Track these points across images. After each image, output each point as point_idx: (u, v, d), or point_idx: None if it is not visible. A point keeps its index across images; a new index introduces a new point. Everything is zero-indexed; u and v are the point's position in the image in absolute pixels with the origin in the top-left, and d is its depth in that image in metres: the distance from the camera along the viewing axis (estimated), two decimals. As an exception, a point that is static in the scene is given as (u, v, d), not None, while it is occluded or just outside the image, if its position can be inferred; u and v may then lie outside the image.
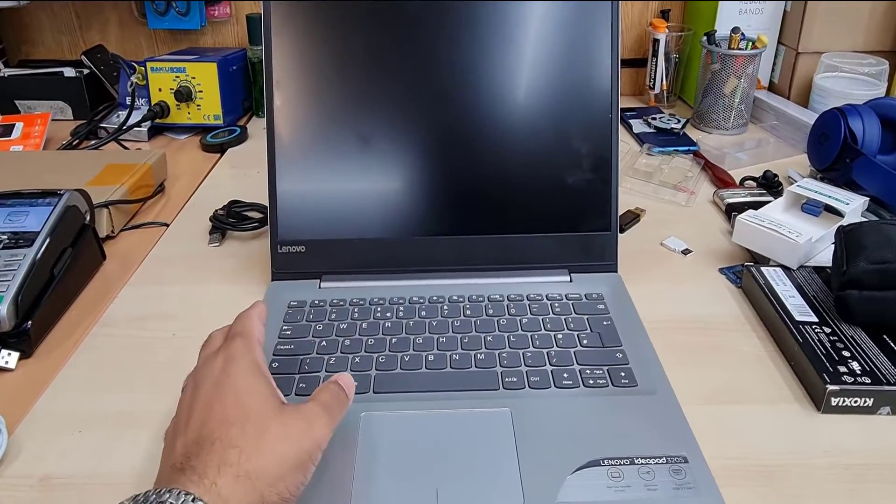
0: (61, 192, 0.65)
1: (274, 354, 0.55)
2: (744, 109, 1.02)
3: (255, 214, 0.78)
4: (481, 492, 0.43)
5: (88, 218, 0.68)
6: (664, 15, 1.15)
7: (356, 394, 0.50)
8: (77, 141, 1.00)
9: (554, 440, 0.46)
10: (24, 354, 0.57)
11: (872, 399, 0.50)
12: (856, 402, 0.50)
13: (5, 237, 0.60)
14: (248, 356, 0.42)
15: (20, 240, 0.60)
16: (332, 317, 0.59)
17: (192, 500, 0.33)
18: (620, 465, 0.44)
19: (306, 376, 0.52)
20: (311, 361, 0.54)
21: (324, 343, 0.56)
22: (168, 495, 0.33)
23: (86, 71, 1.11)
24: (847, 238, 0.59)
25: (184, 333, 0.60)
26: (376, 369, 0.53)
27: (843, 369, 0.51)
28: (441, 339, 0.56)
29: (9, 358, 0.55)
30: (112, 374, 0.55)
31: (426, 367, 0.53)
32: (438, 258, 0.64)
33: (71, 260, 0.63)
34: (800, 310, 0.59)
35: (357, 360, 0.54)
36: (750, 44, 0.98)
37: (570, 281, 0.64)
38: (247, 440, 0.37)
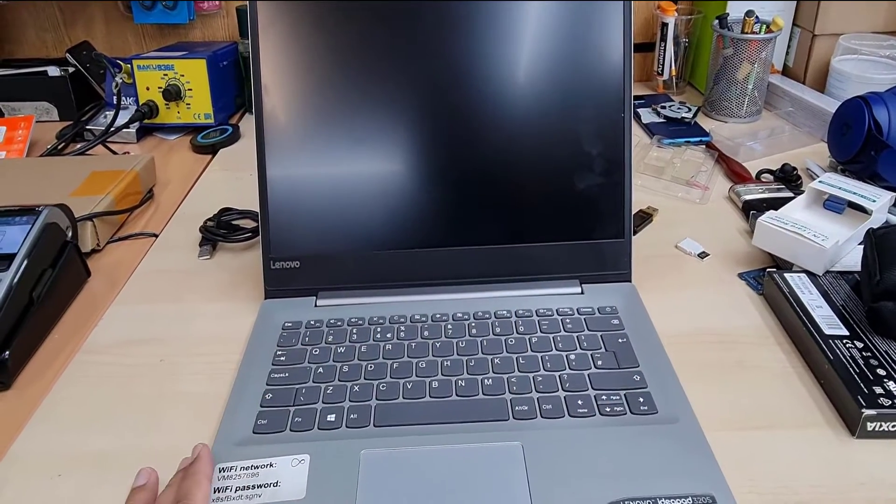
0: (39, 208, 0.61)
1: (267, 384, 0.51)
2: (757, 96, 0.98)
3: (248, 223, 0.74)
4: (492, 541, 0.39)
5: (70, 234, 0.64)
6: (673, -3, 1.09)
7: (356, 427, 0.47)
8: (63, 144, 0.96)
9: (569, 479, 0.43)
10: (2, 387, 0.53)
11: (912, 423, 0.47)
12: (894, 426, 0.47)
13: (-21, 260, 0.56)
14: None
15: (-5, 263, 0.56)
16: (329, 339, 0.55)
17: None
18: (643, 506, 0.41)
19: (302, 408, 0.49)
20: (307, 391, 0.50)
21: (321, 370, 0.52)
22: None
23: (71, 69, 1.07)
24: (879, 244, 0.55)
25: (173, 359, 0.56)
26: (377, 398, 0.49)
27: (878, 390, 0.48)
28: (446, 363, 0.52)
29: (-15, 392, 0.52)
30: (94, 409, 0.52)
31: (430, 396, 0.50)
32: (441, 271, 0.60)
33: (52, 281, 0.60)
34: (828, 321, 0.55)
35: (356, 388, 0.50)
36: (764, 27, 0.93)
37: (582, 293, 0.60)
38: None
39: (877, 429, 0.47)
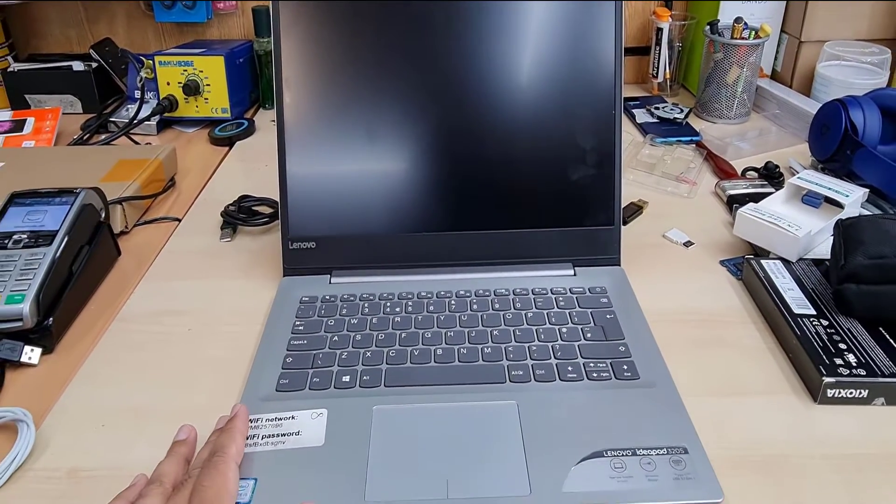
0: (77, 190, 0.67)
1: (287, 350, 0.56)
2: (746, 98, 1.03)
3: (266, 209, 0.79)
4: (489, 482, 0.45)
5: (104, 215, 0.69)
6: (668, 3, 1.15)
7: (369, 387, 0.52)
8: (87, 135, 1.01)
9: (559, 432, 0.48)
10: (47, 350, 0.59)
11: (867, 391, 0.52)
12: (851, 393, 0.52)
13: (25, 236, 0.62)
14: None
15: (39, 238, 0.62)
16: (343, 312, 0.60)
17: None
18: (623, 456, 0.46)
19: (319, 370, 0.54)
20: (323, 356, 0.56)
21: (336, 338, 0.57)
22: None
23: (94, 64, 1.12)
24: (846, 232, 0.60)
25: (199, 328, 0.62)
26: (387, 363, 0.55)
27: (839, 361, 0.53)
28: (449, 334, 0.58)
29: (32, 354, 0.57)
30: (130, 369, 0.57)
31: (435, 361, 0.55)
32: (445, 253, 0.66)
33: (88, 257, 0.65)
34: (798, 303, 0.60)
35: (368, 354, 0.56)
36: (753, 33, 0.99)
37: (574, 275, 0.65)
38: None
39: (836, 395, 0.52)
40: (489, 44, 0.64)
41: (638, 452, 0.46)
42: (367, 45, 0.64)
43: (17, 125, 1.00)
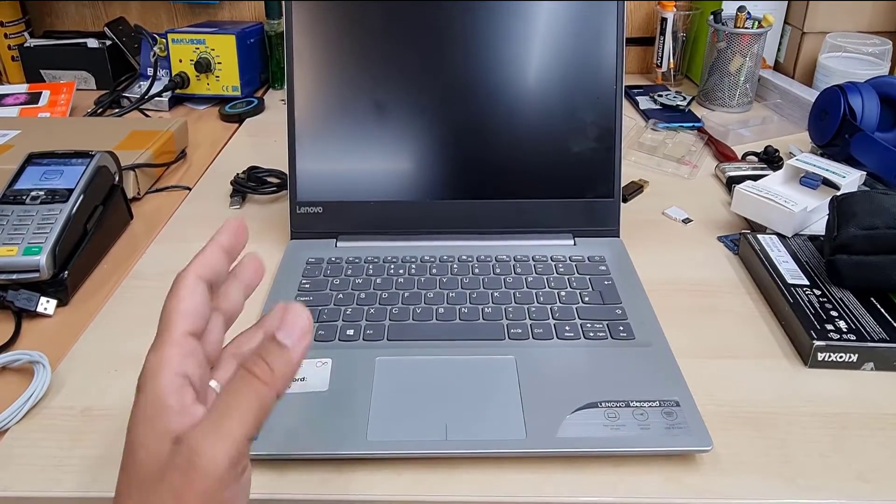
0: (93, 153, 0.69)
1: (294, 305, 0.58)
2: (748, 88, 1.05)
3: (274, 179, 0.81)
4: (487, 427, 0.46)
5: (117, 178, 0.71)
6: (673, -6, 1.16)
7: (372, 340, 0.54)
8: (101, 109, 1.04)
9: (555, 385, 0.50)
10: (61, 302, 0.61)
11: (857, 355, 0.53)
12: (841, 357, 0.54)
13: (42, 193, 0.64)
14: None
15: (56, 196, 0.64)
16: (347, 272, 0.62)
17: None
18: (616, 406, 0.48)
19: (325, 324, 0.56)
20: (328, 311, 0.57)
21: (340, 296, 0.59)
22: None
23: (108, 42, 1.14)
24: (839, 206, 0.62)
25: (209, 287, 0.63)
26: (390, 319, 0.56)
27: (829, 327, 0.55)
28: (451, 294, 0.59)
29: (47, 304, 0.59)
30: (143, 321, 0.59)
31: (436, 319, 0.57)
32: (449, 221, 0.67)
33: (102, 217, 0.67)
34: (792, 273, 0.62)
35: (371, 311, 0.57)
36: (756, 23, 1.00)
37: (574, 244, 0.67)
38: None
39: (826, 359, 0.54)
40: (496, 19, 0.66)
41: (631, 404, 0.48)
42: (378, 18, 0.66)
43: (33, 98, 1.02)
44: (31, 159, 0.68)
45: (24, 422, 0.48)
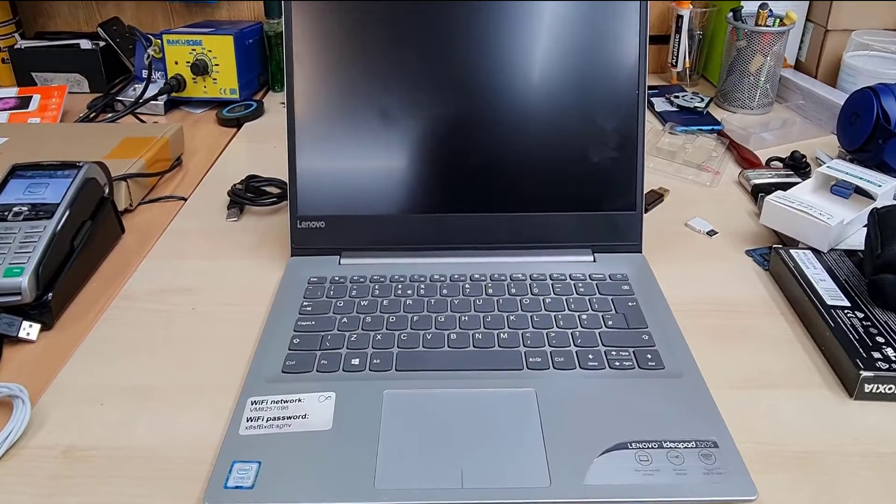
0: (80, 164, 0.64)
1: (295, 330, 0.54)
2: (769, 88, 1.00)
3: (273, 189, 0.77)
4: (507, 472, 0.42)
5: (107, 191, 0.67)
6: (689, -10, 1.12)
7: (379, 371, 0.50)
8: (94, 114, 0.99)
9: (580, 422, 0.46)
10: (45, 326, 0.56)
11: (907, 386, 0.49)
12: (890, 389, 0.49)
13: (25, 209, 0.60)
14: None
15: (40, 212, 0.59)
16: (352, 293, 0.58)
17: None
18: (649, 448, 0.43)
19: (328, 352, 0.52)
20: (332, 338, 0.53)
21: (345, 320, 0.55)
22: None
23: (102, 43, 1.10)
24: (882, 220, 0.57)
25: (203, 307, 0.59)
26: (398, 347, 0.52)
27: (876, 355, 0.50)
28: (463, 318, 0.55)
29: (30, 329, 0.55)
30: (132, 347, 0.55)
31: (448, 346, 0.52)
32: (459, 236, 0.63)
33: (90, 233, 0.63)
34: (831, 293, 0.57)
35: (378, 337, 0.53)
36: (778, 21, 0.96)
37: (594, 261, 0.63)
38: None
39: (874, 391, 0.49)
40: (509, 22, 0.61)
41: (665, 445, 0.44)
42: (382, 23, 0.62)
43: (23, 102, 0.98)
44: (15, 171, 0.64)
45: (0, 465, 0.44)
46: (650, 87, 1.10)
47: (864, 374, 0.49)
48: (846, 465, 0.45)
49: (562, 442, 0.44)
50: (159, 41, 1.01)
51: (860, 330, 0.53)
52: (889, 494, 0.43)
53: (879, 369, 0.49)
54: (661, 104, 1.04)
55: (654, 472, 0.42)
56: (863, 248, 0.60)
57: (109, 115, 0.99)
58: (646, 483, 0.41)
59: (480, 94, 0.62)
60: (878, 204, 0.67)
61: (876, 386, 0.49)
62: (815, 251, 0.63)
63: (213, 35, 1.00)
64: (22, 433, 0.46)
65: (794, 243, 0.66)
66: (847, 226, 0.65)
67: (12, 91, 1.00)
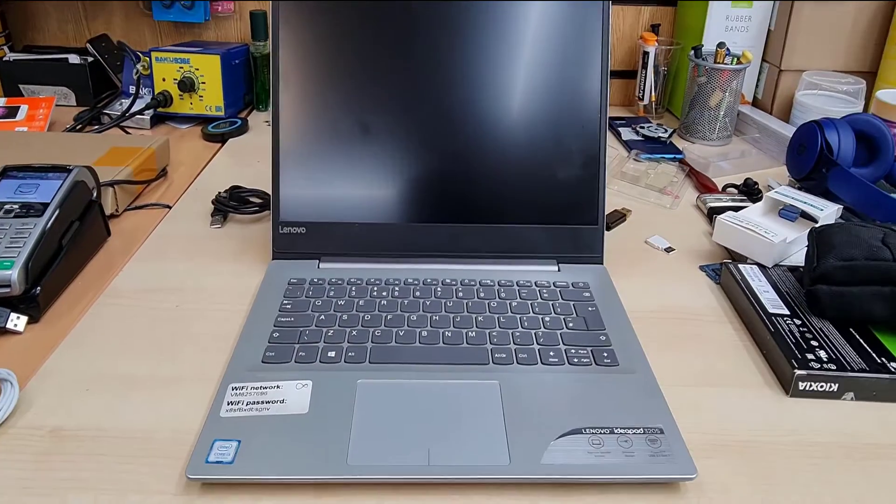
0: (70, 167, 0.67)
1: (275, 325, 0.57)
2: (728, 122, 1.07)
3: (256, 200, 0.80)
4: (470, 453, 0.45)
5: (95, 194, 0.70)
6: (654, 29, 1.19)
7: (354, 363, 0.53)
8: (80, 125, 1.02)
9: (539, 410, 0.49)
10: (33, 319, 0.59)
11: (837, 385, 0.54)
12: (822, 386, 0.54)
13: (16, 206, 0.62)
14: None
15: (30, 210, 0.62)
16: (330, 294, 0.61)
17: None
18: (601, 433, 0.47)
19: (306, 346, 0.55)
20: (310, 333, 0.56)
21: (322, 317, 0.58)
22: None
23: (90, 59, 1.13)
24: (818, 237, 0.63)
25: (187, 305, 0.62)
26: (372, 342, 0.56)
27: (810, 356, 0.55)
28: (434, 318, 0.59)
29: (18, 321, 0.57)
30: (117, 340, 0.57)
31: (420, 342, 0.56)
32: (433, 244, 0.67)
33: (78, 232, 0.66)
34: (773, 303, 0.62)
35: (354, 333, 0.56)
36: (735, 59, 1.03)
37: (559, 270, 0.67)
38: None
39: (807, 388, 0.54)
40: (481, 44, 0.66)
41: (616, 431, 0.48)
42: (364, 42, 0.66)
43: (10, 112, 1.00)
44: (6, 172, 0.66)
45: (-11, 442, 0.46)
46: (618, 119, 1.16)
47: (799, 372, 0.53)
48: (782, 453, 0.49)
49: (522, 427, 0.48)
50: (148, 58, 1.05)
51: (797, 335, 0.57)
52: (820, 479, 0.47)
53: (812, 368, 0.53)
54: (627, 133, 1.10)
55: (605, 454, 0.46)
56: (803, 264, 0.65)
57: (96, 126, 1.02)
58: (597, 463, 0.45)
59: (457, 114, 0.67)
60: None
61: (809, 384, 0.54)
62: (761, 266, 0.68)
63: (201, 54, 1.04)
64: (10, 414, 0.48)
65: (743, 259, 0.71)
66: (790, 244, 0.71)
67: (0, 101, 1.03)
